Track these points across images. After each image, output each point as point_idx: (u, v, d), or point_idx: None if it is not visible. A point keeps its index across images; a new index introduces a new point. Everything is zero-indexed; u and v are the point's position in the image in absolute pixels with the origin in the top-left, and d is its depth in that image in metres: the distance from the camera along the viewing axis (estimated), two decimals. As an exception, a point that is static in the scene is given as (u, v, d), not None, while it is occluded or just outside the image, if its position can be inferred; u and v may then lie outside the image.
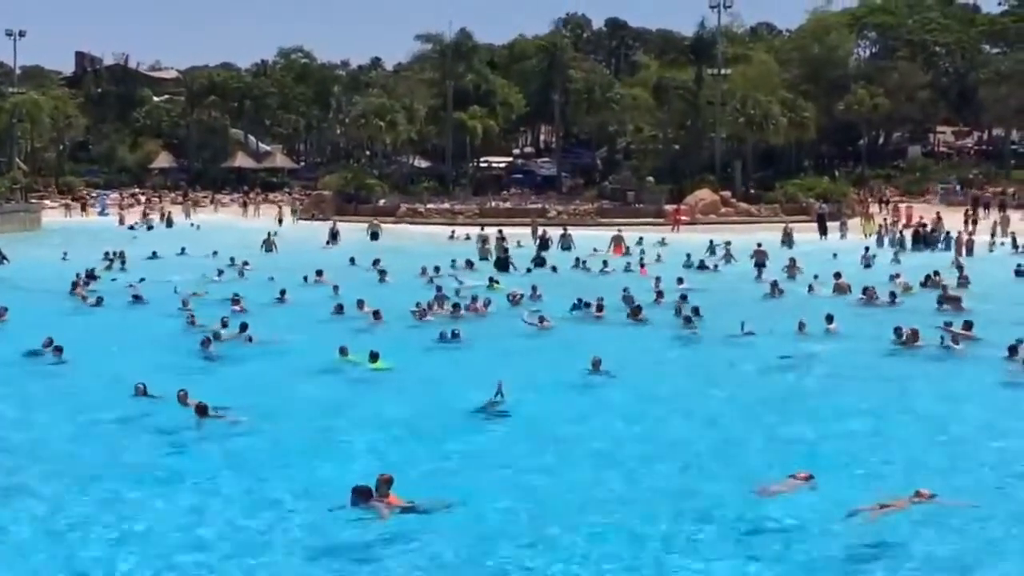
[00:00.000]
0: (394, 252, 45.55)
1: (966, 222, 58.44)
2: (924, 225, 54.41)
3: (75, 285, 35.13)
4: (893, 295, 32.99)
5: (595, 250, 46.83)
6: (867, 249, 46.31)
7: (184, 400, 19.20)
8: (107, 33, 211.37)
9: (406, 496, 14.15)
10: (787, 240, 51.62)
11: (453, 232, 58.12)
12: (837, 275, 36.17)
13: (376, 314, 28.87)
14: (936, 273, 37.28)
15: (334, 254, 46.52)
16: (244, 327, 26.51)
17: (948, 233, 51.95)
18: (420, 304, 30.09)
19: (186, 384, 19.69)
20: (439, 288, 34.07)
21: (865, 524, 13.69)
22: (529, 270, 42.11)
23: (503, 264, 42.95)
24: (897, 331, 25.67)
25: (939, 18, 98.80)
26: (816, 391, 22.18)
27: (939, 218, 56.06)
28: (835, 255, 43.49)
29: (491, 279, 38.25)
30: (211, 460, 17.02)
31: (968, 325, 26.16)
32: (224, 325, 26.99)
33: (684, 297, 31.64)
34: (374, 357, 22.97)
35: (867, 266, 42.81)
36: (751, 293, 35.92)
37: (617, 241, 50.06)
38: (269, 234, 49.08)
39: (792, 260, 40.85)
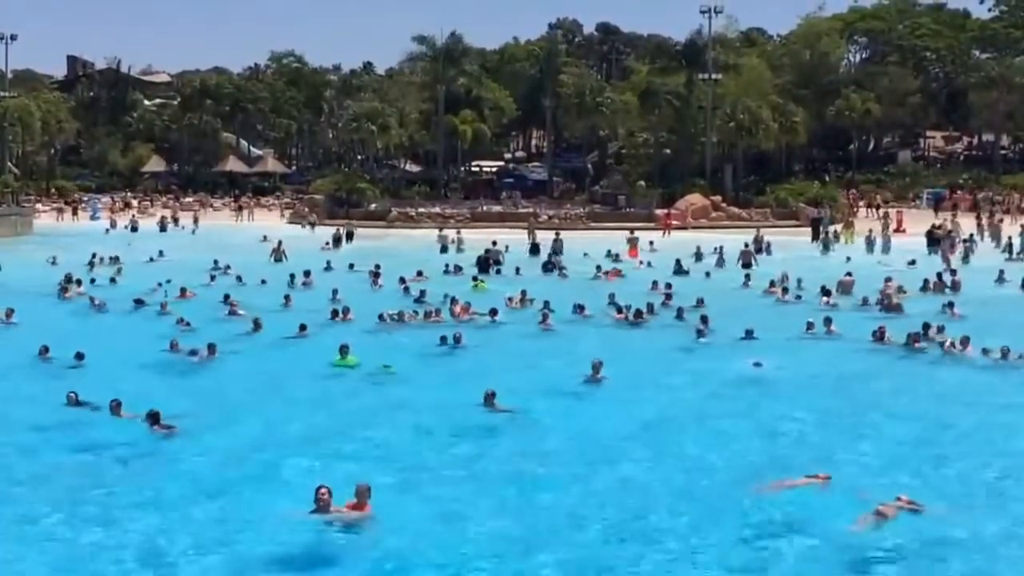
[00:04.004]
0: (383, 256, 45.42)
1: (978, 226, 58.47)
2: (939, 227, 54.42)
3: (64, 289, 35.28)
4: (888, 297, 33.21)
5: (585, 254, 47.00)
6: (912, 263, 43.91)
7: (117, 411, 18.42)
8: (99, 37, 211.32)
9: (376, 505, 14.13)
10: (760, 247, 49.75)
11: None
12: (848, 274, 37.09)
13: (401, 315, 29.58)
14: (939, 276, 37.48)
15: (341, 258, 46.67)
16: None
17: (971, 236, 51.98)
18: (405, 311, 30.27)
19: (174, 389, 19.54)
20: (422, 293, 34.18)
21: (864, 530, 13.75)
22: (548, 266, 43.97)
23: (484, 264, 43.31)
24: (873, 332, 26.81)
25: (929, 23, 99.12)
26: (818, 392, 22.28)
27: (955, 221, 56.33)
28: (848, 258, 43.78)
29: (475, 278, 38.86)
30: (170, 471, 16.47)
31: (918, 336, 26.26)
32: (258, 326, 27.69)
33: (700, 301, 31.83)
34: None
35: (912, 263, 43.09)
36: (741, 298, 35.95)
37: (632, 243, 50.12)
38: (279, 243, 48.91)
39: (784, 275, 38.27)
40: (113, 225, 66.48)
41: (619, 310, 30.50)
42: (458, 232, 54.87)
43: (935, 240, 51.70)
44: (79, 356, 23.51)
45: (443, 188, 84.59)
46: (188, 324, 28.34)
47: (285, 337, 26.97)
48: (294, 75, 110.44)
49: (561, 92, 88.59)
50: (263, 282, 37.89)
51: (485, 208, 74.39)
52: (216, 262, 41.79)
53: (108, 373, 22.66)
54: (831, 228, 58.89)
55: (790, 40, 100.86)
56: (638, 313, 30.06)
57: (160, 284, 35.26)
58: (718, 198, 73.87)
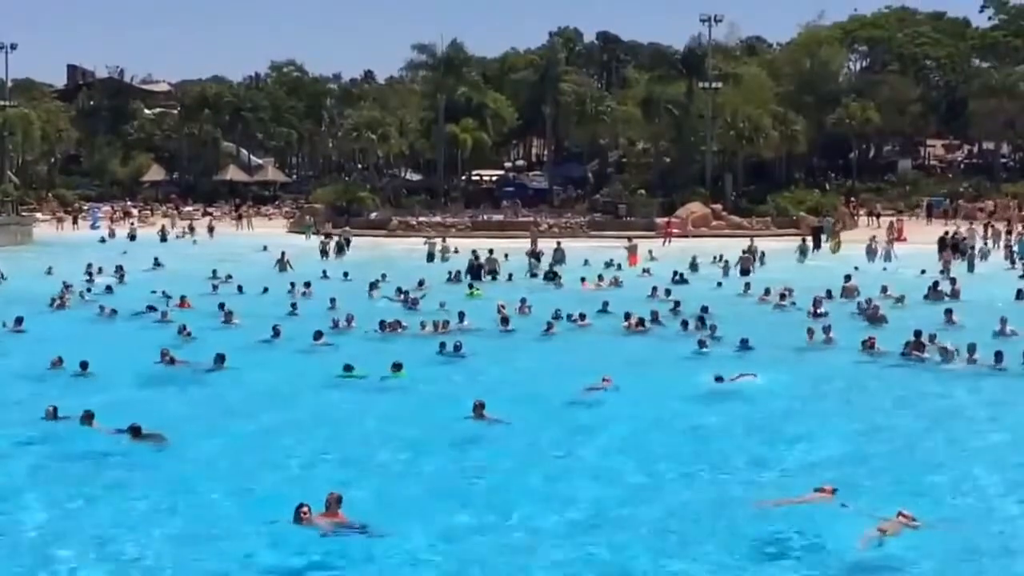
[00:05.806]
0: (380, 266, 45.28)
1: (984, 234, 58.39)
2: (955, 234, 54.22)
3: (59, 298, 35.24)
4: (874, 308, 33.10)
5: (586, 262, 47.00)
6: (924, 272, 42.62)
7: (89, 421, 18.17)
8: (100, 46, 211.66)
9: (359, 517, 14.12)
10: (753, 257, 48.49)
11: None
12: (847, 277, 37.34)
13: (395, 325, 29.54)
14: (936, 284, 37.38)
15: (341, 266, 46.70)
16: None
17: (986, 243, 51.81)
18: (402, 320, 30.25)
19: (173, 398, 19.45)
20: (414, 301, 34.15)
21: (867, 548, 13.62)
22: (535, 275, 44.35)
23: (476, 272, 43.53)
24: (863, 342, 26.73)
25: (929, 32, 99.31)
26: (815, 400, 22.27)
27: (971, 227, 56.30)
28: (856, 267, 43.47)
29: (470, 286, 39.34)
30: (154, 480, 16.43)
31: (919, 345, 26.02)
32: (276, 334, 27.69)
33: (705, 309, 31.64)
34: (397, 367, 23.20)
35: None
36: (740, 306, 35.74)
37: (632, 251, 50.04)
38: (283, 253, 48.84)
39: (786, 292, 36.97)
40: (112, 235, 66.26)
41: (625, 317, 30.47)
42: (443, 240, 55.74)
43: (946, 247, 51.48)
44: (83, 366, 23.48)
45: (444, 197, 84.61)
46: (189, 333, 28.36)
47: (307, 345, 26.93)
48: (294, 84, 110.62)
49: (561, 101, 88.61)
50: (265, 290, 37.91)
51: (486, 217, 74.42)
52: (215, 272, 41.69)
53: (108, 382, 22.64)
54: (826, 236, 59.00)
55: (790, 48, 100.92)
56: (640, 321, 30.09)
57: (163, 293, 35.21)
58: (718, 206, 73.84)
